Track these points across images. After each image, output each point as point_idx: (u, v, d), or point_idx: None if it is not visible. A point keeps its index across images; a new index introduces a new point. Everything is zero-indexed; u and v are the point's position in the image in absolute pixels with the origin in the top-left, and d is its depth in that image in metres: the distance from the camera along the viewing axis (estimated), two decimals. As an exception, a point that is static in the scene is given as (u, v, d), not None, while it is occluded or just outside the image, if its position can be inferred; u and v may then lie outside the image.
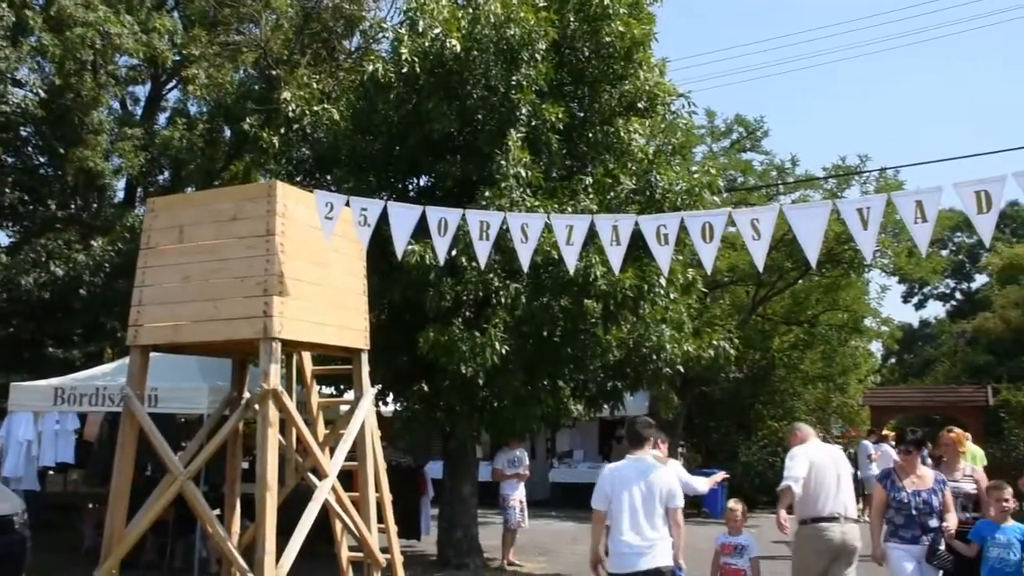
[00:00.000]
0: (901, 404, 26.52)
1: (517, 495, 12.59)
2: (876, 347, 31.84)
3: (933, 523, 6.82)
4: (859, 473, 19.69)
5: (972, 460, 17.90)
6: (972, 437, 19.81)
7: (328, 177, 11.62)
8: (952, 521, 6.85)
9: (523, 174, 10.17)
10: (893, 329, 28.56)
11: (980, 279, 48.54)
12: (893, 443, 20.22)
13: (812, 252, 5.38)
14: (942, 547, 6.68)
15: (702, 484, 8.02)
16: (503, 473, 12.67)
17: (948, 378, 37.45)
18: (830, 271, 21.14)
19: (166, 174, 17.61)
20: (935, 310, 51.61)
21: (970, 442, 19.13)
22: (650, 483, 6.02)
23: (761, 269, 6.69)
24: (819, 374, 22.86)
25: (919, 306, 52.08)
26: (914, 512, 6.82)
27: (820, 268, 20.85)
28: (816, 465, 6.93)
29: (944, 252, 44.57)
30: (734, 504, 7.48)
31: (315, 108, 11.54)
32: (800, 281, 21.75)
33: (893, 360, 47.32)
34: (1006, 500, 6.72)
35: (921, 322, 50.99)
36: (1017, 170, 4.65)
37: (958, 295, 50.63)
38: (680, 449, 22.79)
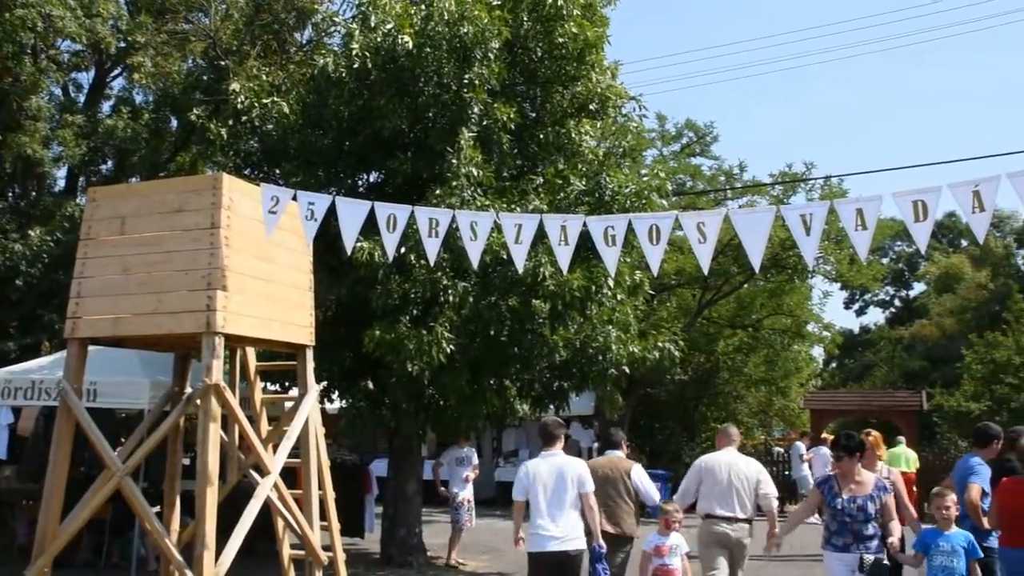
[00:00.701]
0: (840, 408, 27.01)
1: (466, 494, 12.54)
2: (818, 352, 32.44)
3: (868, 531, 6.52)
4: (791, 474, 20.07)
5: (904, 463, 18.41)
6: (906, 440, 20.35)
7: (277, 171, 11.49)
8: (896, 530, 6.66)
9: (474, 173, 10.17)
10: (834, 334, 29.12)
11: (918, 287, 49.77)
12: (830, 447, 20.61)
13: (756, 256, 5.48)
14: (871, 556, 6.40)
15: (656, 495, 8.28)
16: (439, 467, 12.65)
17: (885, 383, 38.32)
18: (775, 276, 21.49)
19: (109, 164, 17.20)
20: (875, 316, 52.77)
21: (904, 445, 19.62)
22: (561, 475, 6.85)
23: (706, 272, 6.91)
24: (762, 377, 23.22)
25: (860, 312, 53.19)
26: (847, 519, 6.52)
27: (765, 273, 21.18)
28: (707, 471, 7.87)
29: (885, 260, 45.53)
30: (671, 506, 7.38)
31: (264, 100, 11.40)
32: (745, 285, 22.07)
33: (834, 365, 48.22)
34: (947, 508, 6.51)
35: (861, 328, 52.04)
36: (952, 181, 4.79)
37: (897, 302, 51.79)
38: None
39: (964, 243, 46.59)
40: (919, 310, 45.61)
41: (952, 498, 6.58)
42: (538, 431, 7.48)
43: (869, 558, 6.37)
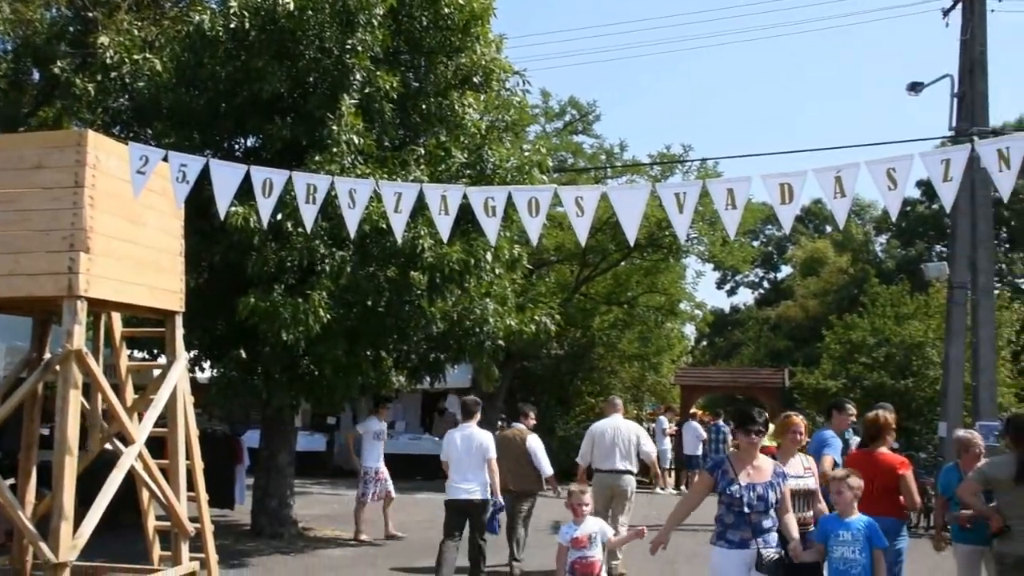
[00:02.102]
0: (709, 384, 28.02)
1: (382, 466, 12.28)
2: (690, 329, 33.50)
3: (767, 523, 5.69)
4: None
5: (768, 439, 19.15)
6: (769, 416, 21.25)
7: (148, 131, 11.03)
8: (794, 528, 5.81)
9: (355, 141, 10.03)
10: (706, 313, 30.13)
11: (785, 270, 51.95)
12: (722, 422, 21.44)
13: (631, 231, 5.63)
14: (769, 552, 5.58)
15: (548, 467, 9.75)
16: (352, 439, 12.43)
17: (752, 361, 39.96)
18: (651, 255, 22.03)
19: (-39, 116, 16.18)
20: (745, 297, 54.78)
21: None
22: (470, 444, 8.74)
23: (584, 244, 7.09)
24: (635, 353, 23.80)
25: (731, 293, 55.16)
26: (746, 510, 5.61)
27: (641, 252, 21.69)
28: (597, 434, 9.86)
29: (755, 243, 47.25)
30: (579, 487, 6.59)
31: (136, 57, 10.90)
32: (622, 263, 22.54)
33: (705, 342, 49.93)
34: (840, 492, 5.75)
35: (732, 308, 54.01)
36: (816, 167, 5.01)
37: (766, 284, 53.92)
38: (500, 422, 23.21)
39: (828, 229, 48.84)
40: (786, 292, 47.64)
41: (854, 480, 5.79)
42: (459, 407, 9.51)
43: (769, 553, 5.58)
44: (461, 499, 8.65)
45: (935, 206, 35.24)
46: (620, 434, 9.74)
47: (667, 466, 20.54)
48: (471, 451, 8.71)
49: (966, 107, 14.71)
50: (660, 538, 5.91)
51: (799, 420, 6.69)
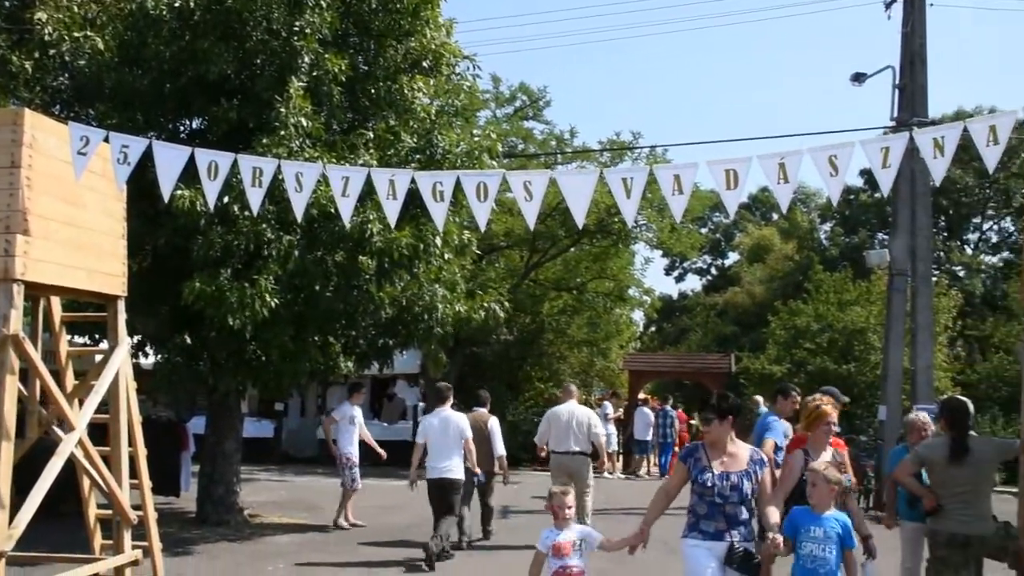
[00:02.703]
0: (657, 369, 28.32)
1: (356, 454, 12.10)
2: (638, 315, 33.80)
3: (743, 514, 5.32)
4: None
5: None
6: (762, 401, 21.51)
7: (90, 111, 10.78)
8: (771, 515, 5.39)
9: (303, 124, 9.92)
10: (654, 299, 30.39)
11: (733, 257, 52.62)
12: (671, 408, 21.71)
13: (580, 216, 5.68)
14: (740, 545, 5.23)
15: (501, 447, 10.64)
16: (332, 423, 12.22)
17: (700, 347, 40.45)
18: (600, 241, 22.15)
19: None
20: (693, 283, 55.37)
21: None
22: (447, 426, 9.75)
23: (532, 227, 7.12)
24: (584, 339, 23.95)
25: (679, 279, 55.68)
26: (719, 500, 5.26)
27: (591, 238, 21.81)
28: (553, 418, 10.56)
29: (703, 230, 47.74)
30: (561, 488, 5.82)
31: (76, 34, 10.63)
32: (572, 249, 22.64)
33: (653, 328, 50.40)
34: (815, 484, 5.35)
35: (680, 294, 54.57)
36: (760, 153, 5.09)
37: (713, 271, 54.56)
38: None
39: (775, 216, 49.55)
40: (732, 278, 48.27)
41: (831, 474, 5.38)
42: (432, 392, 10.85)
43: (740, 547, 5.21)
44: (438, 477, 9.65)
45: (878, 195, 35.94)
46: (575, 418, 10.43)
47: (612, 450, 20.75)
48: (448, 433, 9.68)
49: (907, 98, 15.03)
50: (637, 538, 5.50)
51: (831, 410, 6.25)
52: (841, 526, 5.31)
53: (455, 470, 9.69)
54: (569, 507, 5.58)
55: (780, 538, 5.20)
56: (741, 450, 5.45)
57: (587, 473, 10.49)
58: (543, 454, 10.81)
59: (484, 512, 11.05)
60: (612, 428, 20.59)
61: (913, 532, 7.10)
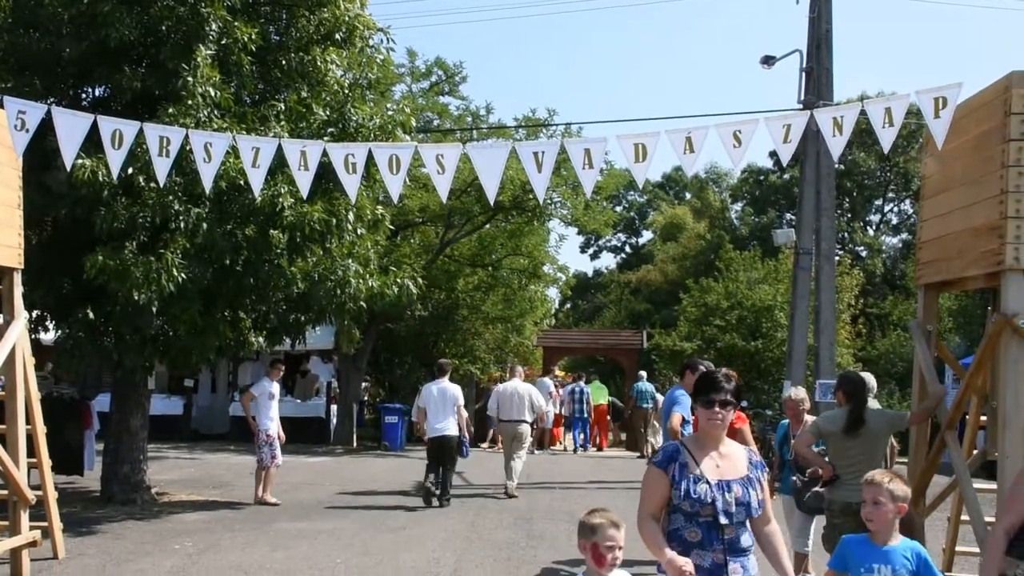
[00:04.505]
0: (570, 346, 28.66)
1: (275, 429, 11.93)
2: (553, 292, 34.09)
3: (746, 539, 3.88)
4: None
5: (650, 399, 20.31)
6: (627, 375, 22.00)
7: (-19, 74, 10.31)
8: (783, 553, 3.97)
9: (211, 93, 9.67)
10: (569, 277, 30.65)
11: (646, 235, 53.46)
12: (588, 383, 22.06)
13: (491, 190, 5.72)
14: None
15: (464, 412, 12.25)
16: (251, 399, 11.99)
17: (614, 323, 41.06)
18: (515, 218, 22.22)
19: None
20: (607, 261, 56.12)
21: (645, 381, 21.26)
22: (444, 394, 11.81)
23: (444, 201, 7.11)
24: (499, 315, 24.04)
25: (594, 257, 56.40)
26: (723, 519, 3.79)
27: (506, 215, 21.86)
28: (501, 394, 13.51)
29: (618, 208, 48.30)
30: (608, 518, 3.65)
31: (-36, -7, 10.15)
32: (487, 226, 22.66)
33: (568, 305, 50.94)
34: (877, 503, 3.94)
35: (595, 271, 55.26)
36: (669, 128, 5.21)
37: (627, 249, 55.37)
38: (364, 384, 23.10)
39: (688, 196, 50.48)
40: (646, 256, 49.08)
41: (898, 484, 3.99)
42: (435, 366, 12.81)
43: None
44: (437, 436, 11.61)
45: (787, 176, 36.93)
46: (518, 393, 13.24)
47: (548, 426, 21.13)
48: (445, 399, 11.74)
49: (813, 81, 15.43)
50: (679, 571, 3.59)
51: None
52: (918, 561, 3.88)
53: (451, 429, 11.67)
54: (619, 548, 3.63)
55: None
56: (734, 449, 4.01)
57: (526, 436, 13.20)
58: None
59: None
60: (551, 404, 20.84)
61: (789, 503, 7.50)
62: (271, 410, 11.93)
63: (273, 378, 12.10)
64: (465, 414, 12.03)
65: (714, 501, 3.78)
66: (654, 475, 3.91)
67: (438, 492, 11.64)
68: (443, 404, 11.69)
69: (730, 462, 3.93)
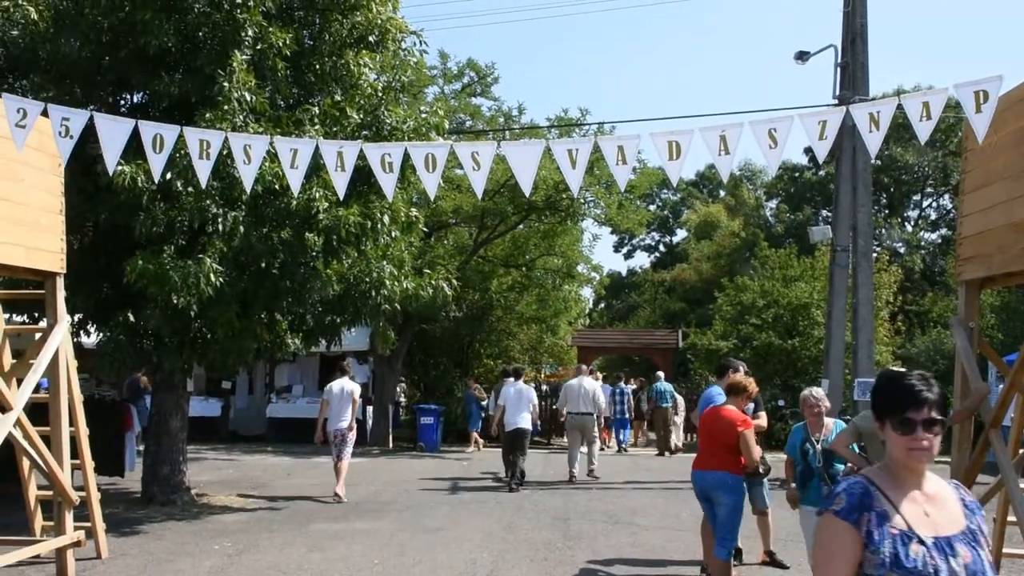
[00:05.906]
0: (605, 345, 28.57)
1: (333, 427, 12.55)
2: (587, 292, 34.02)
3: None
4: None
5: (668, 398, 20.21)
6: (664, 376, 21.89)
7: (24, 83, 10.49)
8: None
9: (247, 98, 9.76)
10: (603, 276, 30.58)
11: (681, 234, 53.16)
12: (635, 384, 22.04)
13: (527, 186, 5.73)
14: None
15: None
16: (325, 405, 12.60)
17: (648, 323, 40.88)
18: (548, 218, 22.20)
19: None
20: (641, 260, 55.93)
21: (663, 381, 21.16)
22: (520, 394, 14.10)
23: (480, 197, 7.13)
24: (533, 316, 24.05)
25: (627, 256, 56.23)
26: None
27: (539, 215, 21.85)
28: (568, 389, 15.38)
29: (652, 207, 48.09)
30: None
31: (6, 3, 10.33)
32: (520, 226, 22.67)
33: (602, 305, 50.82)
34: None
35: (629, 271, 55.07)
36: (703, 126, 5.17)
37: (661, 247, 55.10)
38: (400, 385, 23.20)
39: (722, 194, 50.11)
40: (680, 255, 48.80)
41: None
42: (510, 371, 14.87)
43: None
44: (514, 428, 13.80)
45: (822, 173, 36.53)
46: (584, 388, 15.07)
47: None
48: (521, 398, 14.05)
49: (848, 76, 15.23)
50: None
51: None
52: None
53: (525, 422, 13.89)
54: None
55: None
56: (941, 489, 2.72)
57: (592, 426, 15.12)
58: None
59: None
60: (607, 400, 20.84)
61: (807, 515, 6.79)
62: (344, 411, 12.52)
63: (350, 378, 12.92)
64: (536, 408, 14.68)
65: (936, 570, 2.49)
66: (838, 530, 2.58)
67: (517, 483, 13.49)
68: (519, 402, 13.98)
69: (942, 508, 2.63)
